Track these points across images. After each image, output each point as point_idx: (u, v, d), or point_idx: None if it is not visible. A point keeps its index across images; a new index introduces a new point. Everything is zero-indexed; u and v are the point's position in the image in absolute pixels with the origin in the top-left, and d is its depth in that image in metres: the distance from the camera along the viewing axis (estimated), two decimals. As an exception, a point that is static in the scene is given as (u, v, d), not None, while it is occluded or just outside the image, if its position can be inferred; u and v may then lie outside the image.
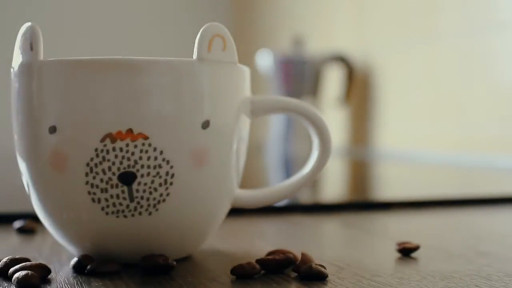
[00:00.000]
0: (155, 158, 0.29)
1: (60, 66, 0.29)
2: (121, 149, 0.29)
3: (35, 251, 0.34)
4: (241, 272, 0.28)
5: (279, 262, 0.29)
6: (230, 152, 0.32)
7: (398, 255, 0.33)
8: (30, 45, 0.30)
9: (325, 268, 0.28)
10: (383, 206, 0.51)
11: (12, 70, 0.31)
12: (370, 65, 1.31)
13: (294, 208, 0.49)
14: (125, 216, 0.30)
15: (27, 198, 0.32)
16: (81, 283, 0.27)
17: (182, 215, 0.31)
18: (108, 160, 0.29)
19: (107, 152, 0.29)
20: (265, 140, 1.38)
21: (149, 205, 0.30)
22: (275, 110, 0.34)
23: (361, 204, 0.52)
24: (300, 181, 0.35)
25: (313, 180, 0.35)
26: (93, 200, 0.29)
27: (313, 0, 1.55)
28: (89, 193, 0.29)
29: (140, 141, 0.29)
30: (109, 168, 0.29)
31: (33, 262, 0.28)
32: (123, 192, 0.29)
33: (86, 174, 0.29)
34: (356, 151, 1.30)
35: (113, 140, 0.29)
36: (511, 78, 0.95)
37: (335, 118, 1.38)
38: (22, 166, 0.31)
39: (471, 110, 1.03)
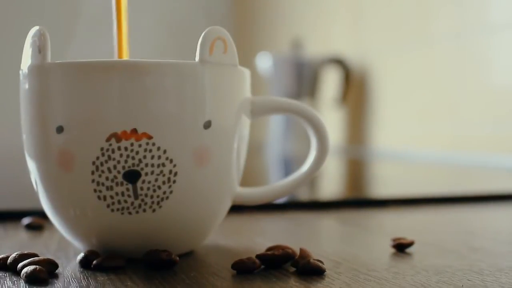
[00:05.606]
0: (159, 157, 0.30)
1: (67, 68, 0.30)
2: (126, 148, 0.29)
3: (43, 247, 0.34)
4: (241, 267, 0.29)
5: (278, 257, 0.29)
6: (231, 151, 0.32)
7: (393, 250, 0.34)
8: (38, 48, 0.30)
9: (322, 263, 0.29)
10: (379, 203, 0.51)
11: (21, 72, 0.32)
12: (367, 67, 1.31)
13: (293, 206, 0.49)
14: (129, 213, 0.30)
15: (35, 195, 0.33)
16: (87, 278, 0.28)
17: (184, 212, 0.31)
18: (114, 159, 0.29)
19: (113, 151, 0.29)
20: (265, 139, 1.38)
21: (153, 203, 0.30)
22: (274, 110, 0.34)
23: (357, 201, 0.52)
24: (299, 179, 0.35)
25: (311, 178, 0.35)
26: (99, 197, 0.30)
27: (311, 4, 1.55)
28: (95, 190, 0.30)
29: (144, 141, 0.29)
30: (114, 167, 0.29)
31: (41, 257, 0.28)
32: (127, 190, 0.30)
33: (92, 173, 0.30)
34: (353, 150, 1.31)
35: (118, 140, 0.29)
36: (503, 80, 0.96)
37: (332, 119, 1.38)
38: (31, 164, 0.32)
39: (464, 110, 1.03)
